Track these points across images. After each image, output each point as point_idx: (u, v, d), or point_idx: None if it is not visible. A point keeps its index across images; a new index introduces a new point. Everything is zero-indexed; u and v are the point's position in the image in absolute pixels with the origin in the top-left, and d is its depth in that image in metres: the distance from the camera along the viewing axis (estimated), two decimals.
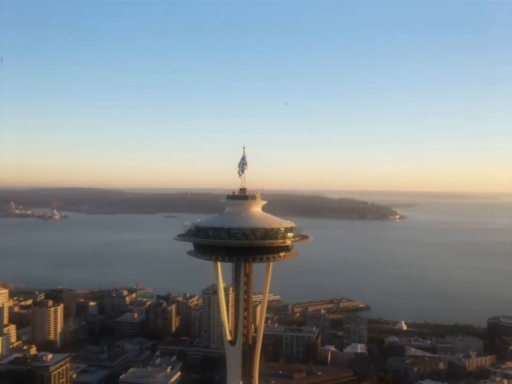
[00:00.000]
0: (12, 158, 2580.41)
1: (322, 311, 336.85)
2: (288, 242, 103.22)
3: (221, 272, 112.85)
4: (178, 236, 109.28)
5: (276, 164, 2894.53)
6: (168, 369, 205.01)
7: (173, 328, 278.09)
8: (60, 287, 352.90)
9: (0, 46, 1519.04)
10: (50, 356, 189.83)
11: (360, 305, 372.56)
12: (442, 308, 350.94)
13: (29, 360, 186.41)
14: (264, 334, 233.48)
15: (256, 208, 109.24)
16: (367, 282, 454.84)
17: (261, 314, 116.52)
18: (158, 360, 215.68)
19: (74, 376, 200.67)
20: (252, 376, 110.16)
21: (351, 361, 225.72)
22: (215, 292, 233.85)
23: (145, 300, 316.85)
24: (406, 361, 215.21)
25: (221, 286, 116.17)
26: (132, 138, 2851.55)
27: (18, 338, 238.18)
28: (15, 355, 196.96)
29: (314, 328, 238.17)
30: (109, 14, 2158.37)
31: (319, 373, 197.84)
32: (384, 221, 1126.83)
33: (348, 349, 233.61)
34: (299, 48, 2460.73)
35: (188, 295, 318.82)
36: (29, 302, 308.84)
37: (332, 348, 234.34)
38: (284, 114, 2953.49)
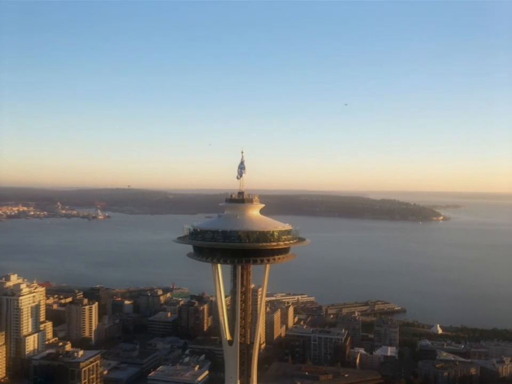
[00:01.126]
0: (59, 160, 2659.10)
1: (356, 313, 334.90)
2: (282, 244, 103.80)
3: (222, 274, 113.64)
4: (178, 238, 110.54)
5: (318, 165, 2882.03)
6: (196, 368, 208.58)
7: (205, 328, 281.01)
8: (98, 285, 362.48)
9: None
10: (81, 352, 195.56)
11: (396, 308, 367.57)
12: (481, 312, 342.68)
13: (60, 356, 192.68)
14: (292, 335, 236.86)
15: (254, 212, 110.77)
16: (404, 284, 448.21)
17: (260, 314, 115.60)
18: (187, 359, 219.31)
19: (105, 372, 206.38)
20: (249, 376, 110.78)
21: (380, 364, 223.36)
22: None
23: (179, 299, 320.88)
24: (437, 366, 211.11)
25: (220, 287, 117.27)
26: (175, 140, 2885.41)
27: (54, 335, 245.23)
28: (48, 351, 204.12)
29: (343, 330, 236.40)
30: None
31: (346, 375, 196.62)
32: (426, 222, 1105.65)
33: (378, 352, 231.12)
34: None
35: None
36: (69, 300, 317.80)
37: (362, 351, 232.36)
38: (327, 116, 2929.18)
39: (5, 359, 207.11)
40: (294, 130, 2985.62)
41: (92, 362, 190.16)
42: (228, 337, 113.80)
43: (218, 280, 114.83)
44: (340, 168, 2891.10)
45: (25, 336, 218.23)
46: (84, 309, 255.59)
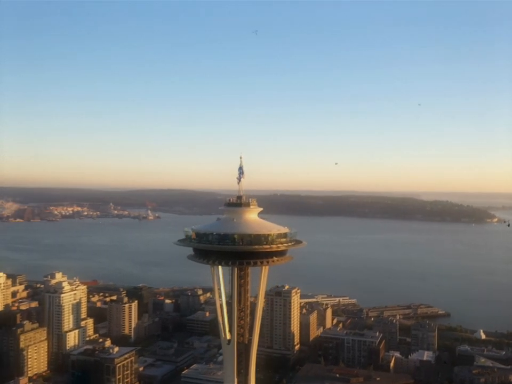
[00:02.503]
0: (113, 162, 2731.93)
1: (398, 316, 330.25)
2: (274, 247, 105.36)
3: (222, 275, 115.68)
4: (178, 241, 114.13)
5: (370, 165, 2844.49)
6: None
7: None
8: (141, 284, 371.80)
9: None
10: (116, 349, 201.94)
11: (440, 312, 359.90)
12: None
13: (97, 352, 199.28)
14: (325, 337, 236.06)
15: (251, 215, 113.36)
16: (451, 288, 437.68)
17: (257, 315, 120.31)
18: (220, 358, 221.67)
19: (141, 369, 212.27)
20: (247, 375, 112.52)
21: (415, 368, 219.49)
22: (279, 293, 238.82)
23: None
24: (473, 372, 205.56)
25: (221, 288, 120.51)
26: (224, 140, 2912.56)
27: (96, 332, 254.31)
28: (85, 347, 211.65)
29: (377, 333, 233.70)
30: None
31: (378, 379, 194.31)
32: (480, 224, 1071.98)
33: (413, 356, 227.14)
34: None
35: None
36: (114, 297, 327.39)
37: (397, 354, 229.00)
38: (379, 116, 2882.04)
39: (46, 353, 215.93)
40: (344, 130, 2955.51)
41: (126, 358, 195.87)
42: (228, 336, 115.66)
43: (217, 281, 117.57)
44: (392, 168, 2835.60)
45: (66, 332, 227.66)
46: (124, 307, 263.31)
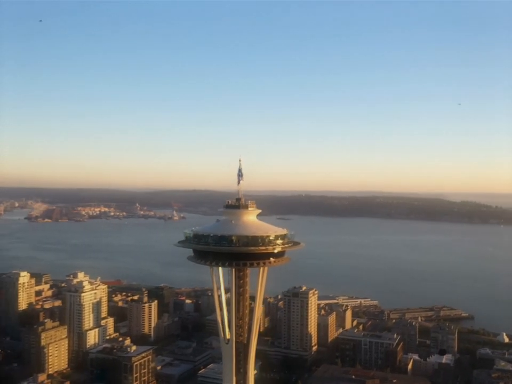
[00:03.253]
0: (139, 162, 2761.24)
1: (420, 318, 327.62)
2: (270, 249, 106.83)
3: (223, 276, 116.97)
4: (178, 242, 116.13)
5: (397, 165, 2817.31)
6: None
7: (261, 328, 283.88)
8: (162, 284, 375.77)
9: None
10: (134, 347, 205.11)
11: (464, 314, 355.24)
12: None
13: (115, 351, 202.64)
14: (342, 339, 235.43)
15: (249, 217, 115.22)
16: (477, 290, 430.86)
17: (255, 315, 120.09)
18: None
19: (159, 368, 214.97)
20: (246, 374, 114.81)
21: (434, 371, 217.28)
22: (296, 294, 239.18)
23: None
24: (492, 375, 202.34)
25: (221, 288, 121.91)
26: (247, 141, 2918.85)
27: (116, 330, 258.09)
28: (104, 345, 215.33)
29: (395, 335, 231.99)
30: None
31: (394, 381, 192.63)
32: (509, 226, 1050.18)
33: (432, 359, 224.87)
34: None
35: (279, 296, 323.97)
36: (136, 297, 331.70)
37: (415, 357, 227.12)
38: (405, 117, 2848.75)
39: (67, 351, 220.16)
40: (369, 130, 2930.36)
41: (143, 357, 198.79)
42: (227, 335, 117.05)
43: (216, 282, 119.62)
44: (418, 169, 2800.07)
45: (87, 330, 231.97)
46: (144, 306, 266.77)
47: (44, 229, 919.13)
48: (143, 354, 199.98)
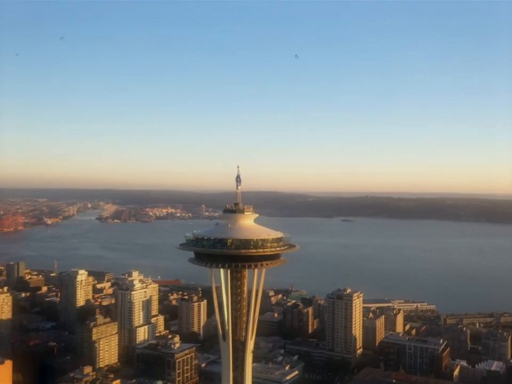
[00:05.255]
0: (207, 164, 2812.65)
1: (478, 324, 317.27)
2: (261, 251, 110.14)
3: (223, 277, 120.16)
4: (180, 245, 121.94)
5: (465, 165, 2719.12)
6: (287, 368, 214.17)
7: (310, 330, 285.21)
8: (217, 285, 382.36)
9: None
10: (178, 344, 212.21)
11: None
12: None
13: (159, 347, 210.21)
14: (386, 342, 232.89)
15: (246, 221, 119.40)
16: None
17: (251, 315, 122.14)
18: (280, 358, 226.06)
19: (203, 365, 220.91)
20: (243, 370, 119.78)
21: (482, 379, 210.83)
22: (340, 296, 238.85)
23: (289, 300, 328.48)
24: None
25: (215, 288, 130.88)
26: (316, 142, 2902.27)
27: (167, 328, 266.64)
28: (150, 341, 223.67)
29: (441, 341, 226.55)
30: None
31: None
32: None
33: (481, 366, 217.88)
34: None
35: None
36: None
37: (463, 363, 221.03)
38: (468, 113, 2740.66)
39: (117, 346, 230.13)
40: (438, 130, 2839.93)
41: (186, 354, 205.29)
42: (221, 333, 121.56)
43: (215, 282, 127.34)
44: (491, 169, 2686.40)
45: (137, 327, 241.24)
46: (193, 305, 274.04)
47: (112, 229, 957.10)
48: (186, 351, 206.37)
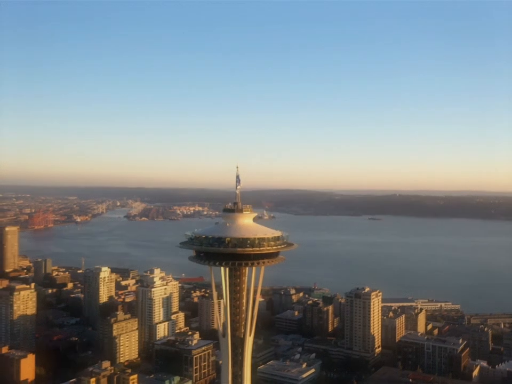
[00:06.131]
0: (232, 163, 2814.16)
1: (503, 324, 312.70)
2: (257, 250, 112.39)
3: (224, 275, 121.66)
4: (180, 243, 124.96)
5: (496, 162, 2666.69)
6: (304, 365, 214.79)
7: (330, 328, 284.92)
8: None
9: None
10: (195, 341, 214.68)
11: None
12: None
13: (177, 343, 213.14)
14: (404, 342, 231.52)
15: (244, 220, 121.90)
16: None
17: (250, 312, 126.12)
18: (297, 356, 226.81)
19: (220, 362, 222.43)
20: (242, 366, 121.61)
21: (502, 380, 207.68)
22: (358, 295, 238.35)
23: (311, 299, 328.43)
24: None
25: (215, 286, 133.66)
26: (341, 140, 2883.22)
27: (187, 325, 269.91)
28: (169, 337, 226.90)
29: (460, 340, 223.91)
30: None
31: None
32: None
33: (501, 367, 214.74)
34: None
35: None
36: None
37: (483, 364, 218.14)
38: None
39: (137, 342, 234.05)
40: (469, 128, 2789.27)
41: (203, 350, 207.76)
42: (220, 330, 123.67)
43: (213, 280, 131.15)
44: None
45: (157, 323, 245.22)
46: (213, 302, 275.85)
47: (140, 227, 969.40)
48: (203, 348, 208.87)
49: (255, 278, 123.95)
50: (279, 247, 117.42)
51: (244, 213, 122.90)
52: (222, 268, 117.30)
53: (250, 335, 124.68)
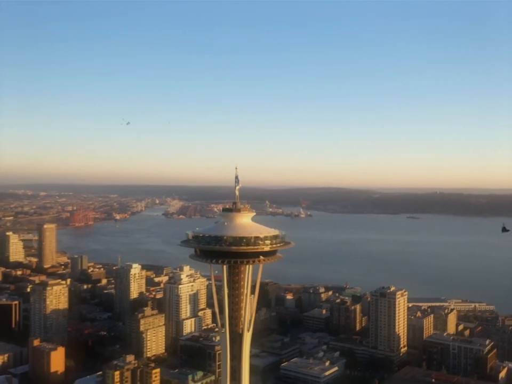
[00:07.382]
0: (271, 161, 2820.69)
1: None
2: (252, 248, 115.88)
3: (225, 272, 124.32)
4: (181, 242, 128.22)
5: None
6: (327, 363, 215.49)
7: (358, 327, 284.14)
8: (267, 280, 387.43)
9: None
10: (218, 337, 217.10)
11: None
12: None
13: (201, 339, 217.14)
14: (430, 342, 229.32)
15: (243, 219, 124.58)
16: None
17: (248, 308, 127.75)
18: (321, 354, 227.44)
19: None
20: (240, 361, 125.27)
21: None
22: (383, 294, 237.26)
23: (340, 297, 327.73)
24: None
25: (214, 283, 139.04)
26: (382, 137, 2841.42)
27: (214, 321, 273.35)
28: (193, 333, 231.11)
29: (487, 341, 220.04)
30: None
31: None
32: None
33: None
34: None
35: None
36: None
37: (511, 365, 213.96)
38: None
39: (164, 338, 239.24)
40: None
41: None
42: (220, 325, 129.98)
43: (212, 277, 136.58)
44: None
45: (183, 319, 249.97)
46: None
47: (177, 224, 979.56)
48: None
49: (251, 275, 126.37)
50: (275, 245, 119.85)
51: (242, 212, 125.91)
52: (222, 266, 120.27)
53: (248, 330, 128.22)
